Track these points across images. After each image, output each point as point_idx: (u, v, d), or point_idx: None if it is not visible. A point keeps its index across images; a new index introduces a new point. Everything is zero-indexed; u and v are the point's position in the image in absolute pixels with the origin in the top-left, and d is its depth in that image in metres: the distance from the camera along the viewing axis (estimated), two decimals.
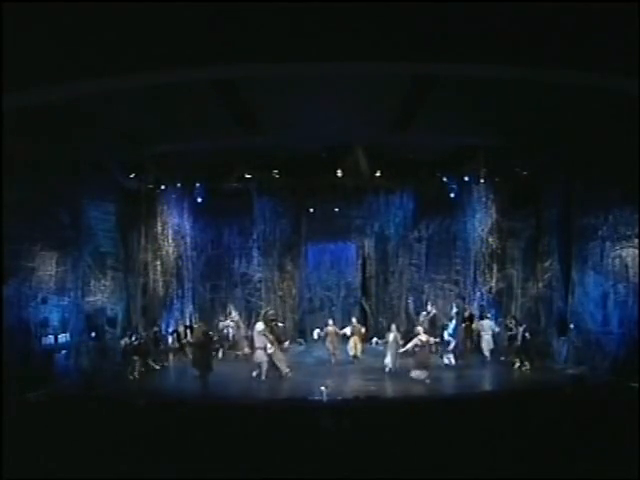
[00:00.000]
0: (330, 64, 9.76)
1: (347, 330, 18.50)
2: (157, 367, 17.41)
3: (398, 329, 17.72)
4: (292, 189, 21.12)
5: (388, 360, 16.38)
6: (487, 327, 18.05)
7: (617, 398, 9.64)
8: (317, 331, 19.25)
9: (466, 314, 19.05)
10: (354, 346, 18.01)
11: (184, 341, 19.45)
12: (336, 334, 18.25)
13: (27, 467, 6.75)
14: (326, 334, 18.43)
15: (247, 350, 17.80)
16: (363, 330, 18.97)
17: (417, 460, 6.71)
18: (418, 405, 10.33)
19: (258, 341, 16.06)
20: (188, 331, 20.30)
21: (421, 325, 17.50)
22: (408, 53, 9.22)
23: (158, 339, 18.60)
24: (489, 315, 18.91)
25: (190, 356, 17.84)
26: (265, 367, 15.88)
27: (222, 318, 20.83)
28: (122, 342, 17.22)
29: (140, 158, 17.77)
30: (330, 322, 18.68)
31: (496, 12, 8.51)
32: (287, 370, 16.07)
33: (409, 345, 15.70)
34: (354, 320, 19.08)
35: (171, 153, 17.09)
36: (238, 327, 19.63)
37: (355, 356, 18.00)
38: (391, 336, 16.76)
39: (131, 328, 18.27)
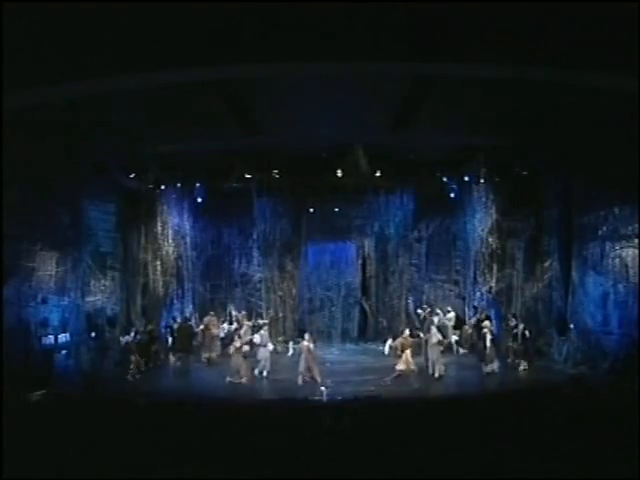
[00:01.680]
0: (330, 64, 9.76)
1: (391, 342, 16.25)
2: (143, 368, 17.16)
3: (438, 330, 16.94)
4: (292, 189, 21.11)
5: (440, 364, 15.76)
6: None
7: (617, 398, 9.65)
8: (291, 344, 17.51)
9: (482, 315, 19.06)
10: (405, 360, 15.02)
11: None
12: (309, 351, 15.66)
13: (27, 467, 6.75)
14: (300, 351, 15.98)
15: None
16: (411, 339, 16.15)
17: (417, 460, 6.71)
18: (418, 405, 10.34)
19: (261, 340, 16.56)
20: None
21: (486, 320, 17.63)
22: (408, 53, 9.22)
23: (154, 339, 18.58)
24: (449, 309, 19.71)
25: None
26: (268, 364, 16.30)
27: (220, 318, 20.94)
28: (122, 342, 17.21)
29: (140, 158, 17.77)
30: (307, 336, 16.42)
31: (496, 12, 8.52)
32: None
33: (488, 343, 16.07)
34: (407, 332, 16.23)
35: (171, 153, 17.09)
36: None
37: (409, 372, 14.99)
38: (434, 338, 16.23)
39: (131, 328, 18.25)
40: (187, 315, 20.69)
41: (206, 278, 22.59)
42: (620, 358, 14.58)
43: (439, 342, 16.39)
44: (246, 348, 16.54)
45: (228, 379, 15.67)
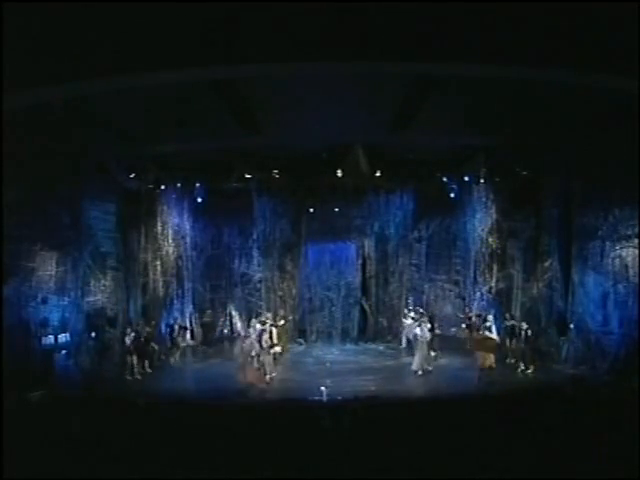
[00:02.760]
0: (330, 64, 9.76)
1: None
2: (149, 370, 17.30)
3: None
4: (292, 189, 21.11)
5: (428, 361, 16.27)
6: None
7: (617, 398, 9.66)
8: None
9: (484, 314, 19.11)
10: (485, 359, 15.01)
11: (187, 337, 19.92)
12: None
13: (27, 467, 6.75)
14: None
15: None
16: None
17: (417, 460, 6.71)
18: (418, 405, 10.34)
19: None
20: (187, 330, 20.44)
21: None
22: (408, 53, 9.21)
23: (156, 339, 18.57)
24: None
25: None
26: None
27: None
28: (123, 342, 17.19)
29: (140, 158, 17.76)
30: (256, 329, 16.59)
31: (496, 12, 8.52)
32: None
33: (495, 336, 16.63)
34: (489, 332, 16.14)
35: (171, 153, 17.08)
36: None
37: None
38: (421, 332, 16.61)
39: (131, 328, 18.23)
40: (213, 310, 21.96)
41: (206, 278, 22.60)
42: (620, 358, 14.58)
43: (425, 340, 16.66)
44: (277, 349, 16.82)
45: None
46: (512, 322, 17.59)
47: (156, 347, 18.34)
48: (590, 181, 16.12)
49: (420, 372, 16.23)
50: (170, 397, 14.06)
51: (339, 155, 18.57)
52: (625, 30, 8.41)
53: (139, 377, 16.44)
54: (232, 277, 22.89)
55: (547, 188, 18.51)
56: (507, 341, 17.30)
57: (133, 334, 17.19)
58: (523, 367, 16.41)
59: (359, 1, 8.57)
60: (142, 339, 17.44)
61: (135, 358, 16.63)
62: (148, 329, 18.41)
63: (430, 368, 16.31)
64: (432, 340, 17.26)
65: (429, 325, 17.45)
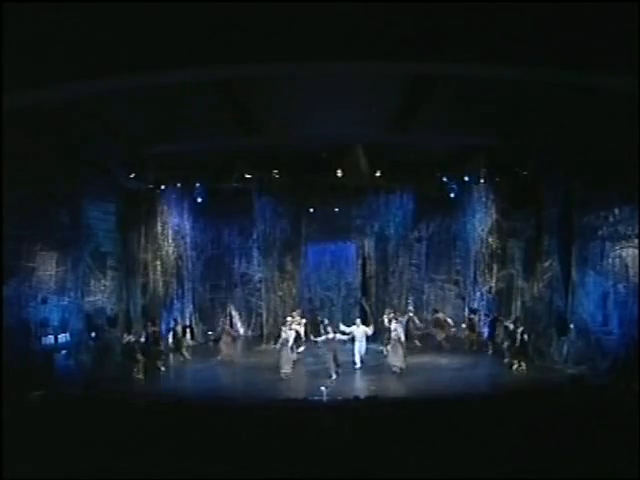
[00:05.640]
0: (330, 64, 9.77)
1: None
2: (162, 368, 17.38)
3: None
4: (292, 189, 21.09)
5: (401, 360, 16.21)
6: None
7: (617, 398, 9.65)
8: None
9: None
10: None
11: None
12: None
13: (27, 467, 6.75)
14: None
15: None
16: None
17: (417, 460, 6.71)
18: (418, 405, 10.34)
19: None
20: (187, 330, 20.44)
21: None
22: (408, 53, 9.22)
23: (157, 339, 18.56)
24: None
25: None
26: None
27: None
28: (123, 342, 17.19)
29: (140, 158, 17.78)
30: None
31: (496, 12, 8.53)
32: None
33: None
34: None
35: (171, 153, 17.09)
36: None
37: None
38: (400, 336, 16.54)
39: (131, 328, 18.24)
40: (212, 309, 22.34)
41: (206, 278, 22.60)
42: (620, 358, 14.55)
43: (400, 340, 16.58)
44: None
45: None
46: (508, 322, 17.61)
47: (159, 347, 18.35)
48: (590, 181, 16.11)
49: (397, 370, 16.06)
50: (170, 397, 14.05)
51: (339, 155, 18.59)
52: (625, 30, 8.41)
53: (140, 377, 16.41)
54: (232, 277, 22.90)
55: (547, 188, 18.48)
56: (507, 342, 17.29)
57: (143, 335, 17.12)
58: (517, 365, 16.42)
59: (359, 1, 8.58)
60: (149, 339, 17.42)
61: (142, 357, 16.61)
62: (154, 329, 18.43)
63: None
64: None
65: (403, 325, 17.43)
